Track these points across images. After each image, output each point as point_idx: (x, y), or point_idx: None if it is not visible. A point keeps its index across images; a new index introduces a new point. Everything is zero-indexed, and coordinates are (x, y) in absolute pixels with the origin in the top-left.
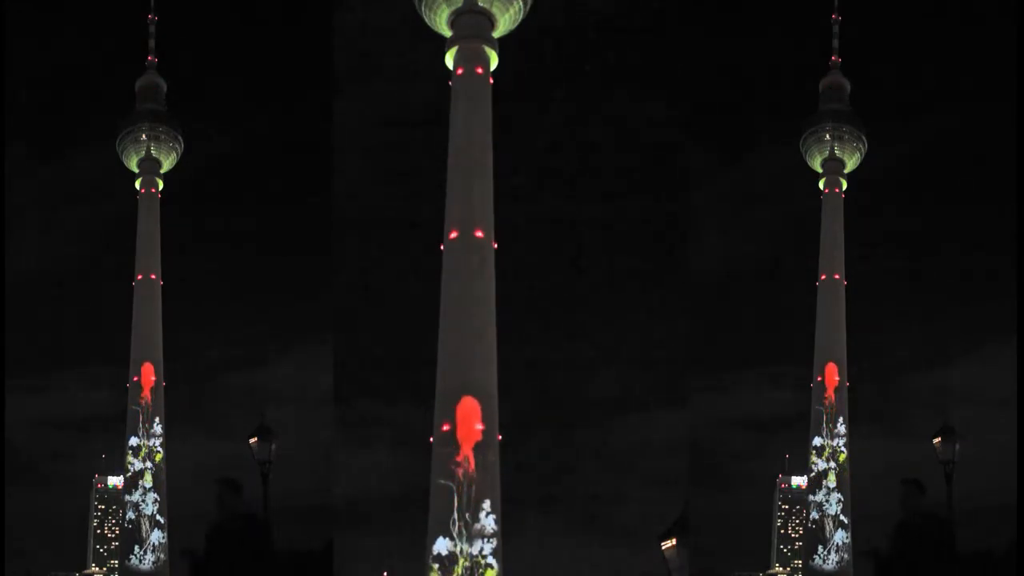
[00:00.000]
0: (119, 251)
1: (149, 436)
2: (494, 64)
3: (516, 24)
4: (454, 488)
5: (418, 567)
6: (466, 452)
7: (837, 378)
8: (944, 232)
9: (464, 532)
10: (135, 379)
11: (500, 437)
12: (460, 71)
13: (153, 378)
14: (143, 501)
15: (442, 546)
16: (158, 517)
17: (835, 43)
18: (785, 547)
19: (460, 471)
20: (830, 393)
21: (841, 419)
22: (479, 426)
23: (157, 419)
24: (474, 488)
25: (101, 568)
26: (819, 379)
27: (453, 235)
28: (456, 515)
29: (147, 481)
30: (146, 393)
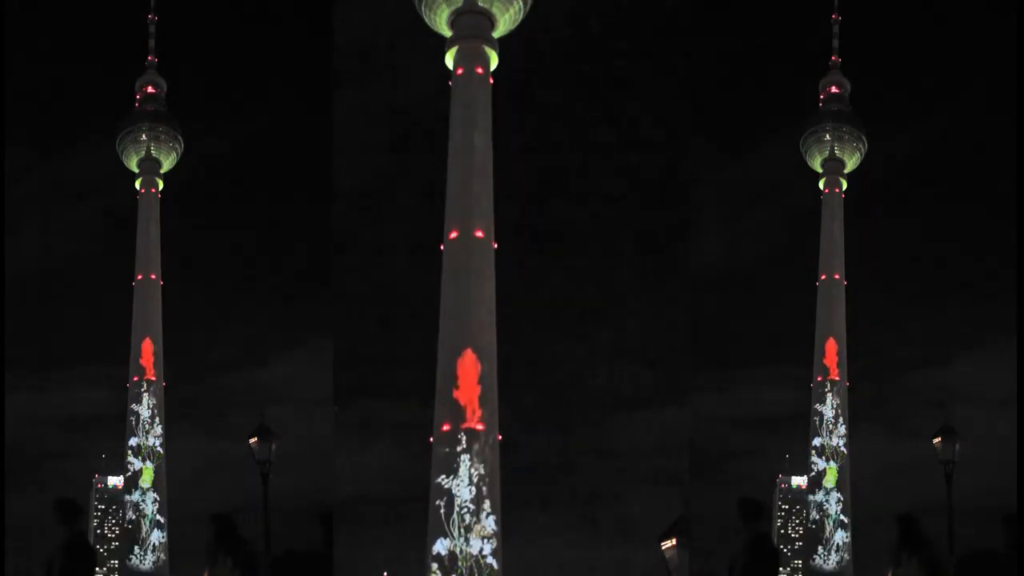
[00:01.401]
0: (119, 251)
1: (148, 436)
2: (494, 64)
3: (516, 24)
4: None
5: (418, 567)
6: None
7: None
8: (944, 232)
9: (464, 527)
10: (135, 378)
11: (500, 437)
12: (460, 71)
13: (153, 366)
14: (143, 501)
15: (442, 546)
16: (158, 517)
17: (835, 43)
18: (785, 547)
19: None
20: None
21: (841, 419)
22: (480, 425)
23: (157, 419)
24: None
25: (101, 568)
26: (819, 379)
27: (453, 235)
28: (456, 516)
29: (146, 481)
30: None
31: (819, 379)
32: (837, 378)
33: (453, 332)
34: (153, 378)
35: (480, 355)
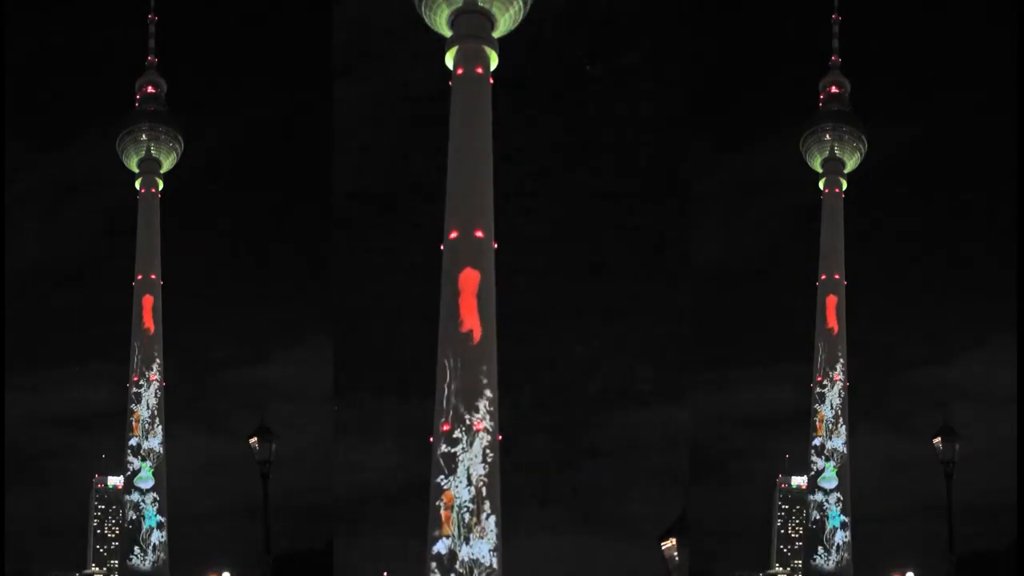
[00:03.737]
0: (119, 251)
1: (148, 436)
2: (494, 64)
3: (516, 24)
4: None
5: (418, 567)
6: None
7: (836, 323)
8: (944, 230)
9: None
10: (135, 378)
11: (500, 438)
12: (460, 71)
13: (153, 366)
14: (143, 501)
15: (442, 546)
16: (158, 517)
17: (835, 43)
18: (785, 547)
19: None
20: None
21: (841, 419)
22: (483, 425)
23: (157, 419)
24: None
25: (101, 568)
26: (819, 378)
27: (453, 235)
28: (456, 515)
29: (144, 480)
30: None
31: (819, 379)
32: (839, 378)
33: (453, 331)
34: (153, 378)
35: (481, 353)
